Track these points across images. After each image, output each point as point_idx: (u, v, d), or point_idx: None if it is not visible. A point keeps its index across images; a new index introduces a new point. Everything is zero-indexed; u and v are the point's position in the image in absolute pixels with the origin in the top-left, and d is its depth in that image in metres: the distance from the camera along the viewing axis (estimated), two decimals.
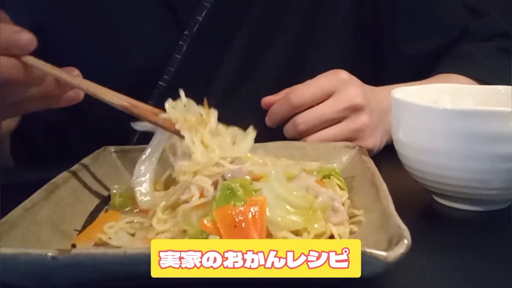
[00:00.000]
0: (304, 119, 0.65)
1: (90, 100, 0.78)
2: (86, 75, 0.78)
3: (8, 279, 0.38)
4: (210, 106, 0.75)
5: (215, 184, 0.46)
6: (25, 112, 0.65)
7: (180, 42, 0.76)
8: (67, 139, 0.79)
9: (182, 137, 0.54)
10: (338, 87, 0.65)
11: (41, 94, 0.58)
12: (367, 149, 0.62)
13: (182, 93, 0.55)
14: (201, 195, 0.45)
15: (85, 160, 0.58)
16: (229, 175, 0.46)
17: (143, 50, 0.78)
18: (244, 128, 0.80)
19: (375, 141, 0.66)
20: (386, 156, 0.63)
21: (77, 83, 0.55)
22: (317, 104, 0.65)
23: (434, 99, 0.61)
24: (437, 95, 0.61)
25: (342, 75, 0.66)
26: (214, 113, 0.56)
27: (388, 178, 0.50)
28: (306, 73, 0.69)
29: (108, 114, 0.79)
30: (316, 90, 0.65)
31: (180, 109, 0.55)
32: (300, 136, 0.66)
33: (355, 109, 0.64)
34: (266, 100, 0.69)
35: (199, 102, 0.79)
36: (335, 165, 0.59)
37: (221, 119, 0.81)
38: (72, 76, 0.56)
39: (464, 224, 0.53)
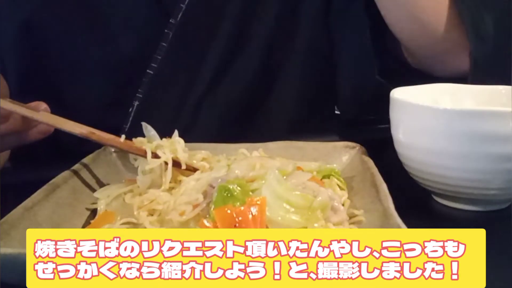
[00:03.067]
0: None
1: (79, 89, 0.79)
2: (76, 68, 0.80)
3: (8, 279, 0.38)
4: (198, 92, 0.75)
5: (205, 194, 0.46)
6: None
7: (166, 30, 0.77)
8: (64, 139, 0.79)
9: (143, 156, 0.56)
10: None
11: (9, 131, 0.59)
12: None
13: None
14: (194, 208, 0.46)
15: (85, 160, 0.58)
16: (219, 180, 0.47)
17: (131, 39, 0.79)
18: (233, 113, 0.80)
19: None
20: (386, 156, 0.63)
21: (37, 117, 0.57)
22: None
23: (434, 99, 0.60)
24: (437, 95, 0.61)
25: None
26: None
27: (388, 178, 0.50)
28: (293, 56, 0.69)
29: (98, 103, 0.80)
30: None
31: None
32: None
33: None
34: None
35: (187, 89, 0.80)
36: (335, 165, 0.59)
37: (210, 106, 0.82)
38: (31, 110, 0.57)
39: (464, 224, 0.53)
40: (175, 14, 0.76)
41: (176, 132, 0.59)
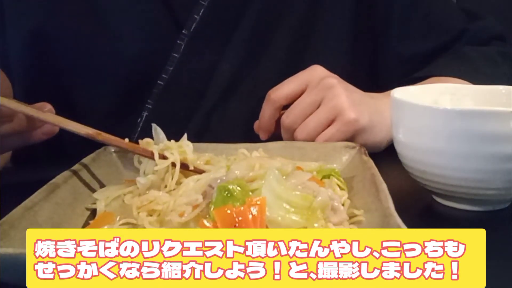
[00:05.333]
0: (287, 114, 0.68)
1: (87, 99, 0.79)
2: (84, 77, 0.79)
3: (8, 279, 0.38)
4: (209, 103, 0.75)
5: (204, 194, 0.46)
6: (2, 151, 0.67)
7: (178, 41, 0.76)
8: (63, 139, 0.79)
9: (150, 158, 0.56)
10: (312, 78, 0.68)
11: (13, 130, 0.59)
12: (352, 120, 0.64)
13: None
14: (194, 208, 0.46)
15: (85, 160, 0.58)
16: (218, 181, 0.47)
17: (142, 50, 0.78)
18: (243, 126, 0.80)
19: (358, 114, 0.65)
20: (386, 156, 0.63)
21: (43, 117, 0.57)
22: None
23: (434, 99, 0.61)
24: (437, 95, 0.61)
25: (317, 70, 0.68)
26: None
27: (388, 178, 0.50)
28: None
29: (106, 113, 0.79)
30: (291, 84, 0.68)
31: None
32: (291, 131, 0.67)
33: (327, 87, 0.66)
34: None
35: (197, 101, 0.81)
36: (335, 165, 0.59)
37: (219, 118, 0.82)
38: (37, 110, 0.57)
39: (464, 224, 0.53)
40: (188, 25, 0.76)
41: (185, 135, 0.59)
